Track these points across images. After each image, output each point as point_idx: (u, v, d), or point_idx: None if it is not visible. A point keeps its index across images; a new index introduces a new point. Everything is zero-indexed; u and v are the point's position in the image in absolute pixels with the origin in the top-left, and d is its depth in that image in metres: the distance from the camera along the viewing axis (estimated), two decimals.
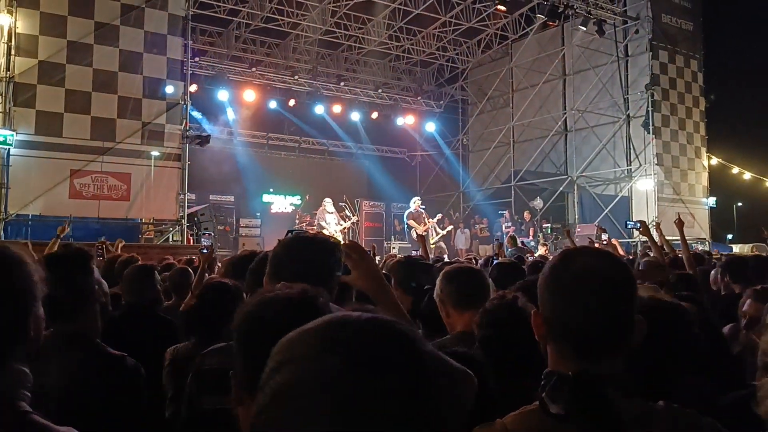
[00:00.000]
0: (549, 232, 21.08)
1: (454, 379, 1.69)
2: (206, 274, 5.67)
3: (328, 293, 1.86)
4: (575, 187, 23.23)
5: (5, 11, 14.67)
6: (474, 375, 1.73)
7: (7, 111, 14.63)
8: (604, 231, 9.73)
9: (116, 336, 2.78)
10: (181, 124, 16.72)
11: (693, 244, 18.90)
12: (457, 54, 27.84)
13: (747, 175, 25.45)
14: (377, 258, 10.13)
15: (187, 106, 16.97)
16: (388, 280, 3.48)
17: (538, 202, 22.65)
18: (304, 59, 25.93)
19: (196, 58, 21.95)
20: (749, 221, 29.45)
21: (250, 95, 24.08)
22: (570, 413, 1.49)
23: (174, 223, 16.51)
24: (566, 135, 24.83)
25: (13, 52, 14.74)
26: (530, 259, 8.73)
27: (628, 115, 22.71)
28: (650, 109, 21.81)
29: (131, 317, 4.36)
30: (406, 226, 19.52)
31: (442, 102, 29.79)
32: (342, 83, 26.46)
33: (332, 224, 18.22)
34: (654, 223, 8.44)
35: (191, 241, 16.55)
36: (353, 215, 19.45)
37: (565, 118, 24.57)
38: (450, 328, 3.16)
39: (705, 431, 1.57)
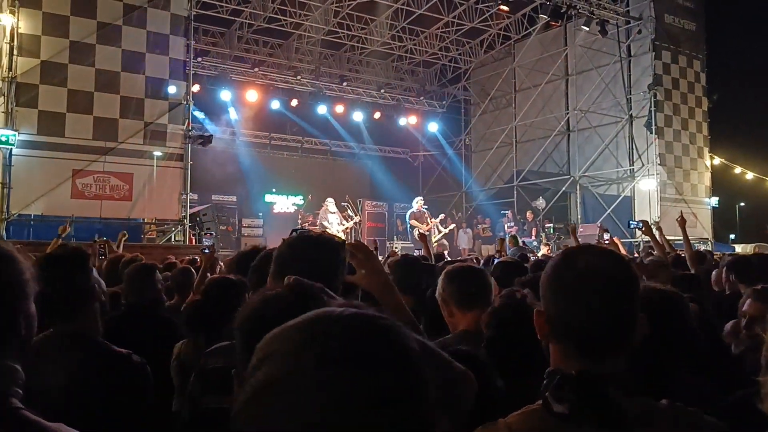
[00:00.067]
0: (551, 232, 21.08)
1: (448, 378, 1.69)
2: (208, 274, 5.67)
3: (333, 292, 1.85)
4: (578, 187, 23.24)
5: (8, 11, 14.67)
6: (477, 374, 1.72)
7: (10, 111, 14.63)
8: (606, 231, 9.73)
9: (117, 336, 2.77)
10: (184, 124, 16.71)
11: (695, 244, 18.90)
12: (459, 54, 27.84)
13: (749, 175, 25.45)
14: (379, 256, 10.11)
15: (189, 106, 16.96)
16: None
17: (540, 202, 22.65)
18: (307, 59, 25.95)
19: (199, 59, 21.99)
20: (752, 221, 29.51)
21: (252, 95, 24.08)
22: (573, 413, 1.49)
23: (176, 224, 16.51)
24: (569, 135, 24.84)
25: (15, 52, 14.73)
26: (532, 259, 8.71)
27: (631, 115, 22.70)
28: (653, 109, 21.80)
29: (132, 317, 4.35)
30: (408, 226, 19.52)
31: (444, 102, 29.79)
32: (345, 83, 26.46)
33: (334, 224, 18.23)
34: (654, 223, 8.43)
35: (193, 241, 16.56)
36: (356, 215, 19.46)
37: (568, 118, 24.59)
38: (452, 328, 3.16)
39: (707, 430, 1.57)
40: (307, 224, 19.16)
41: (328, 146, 28.44)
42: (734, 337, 3.40)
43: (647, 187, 21.77)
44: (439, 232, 19.14)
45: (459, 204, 27.63)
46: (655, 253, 7.49)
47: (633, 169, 22.70)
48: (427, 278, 4.30)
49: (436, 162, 29.63)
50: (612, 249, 2.59)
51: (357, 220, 19.60)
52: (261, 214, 23.61)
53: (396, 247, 21.44)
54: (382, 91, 27.67)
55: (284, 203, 24.99)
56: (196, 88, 19.58)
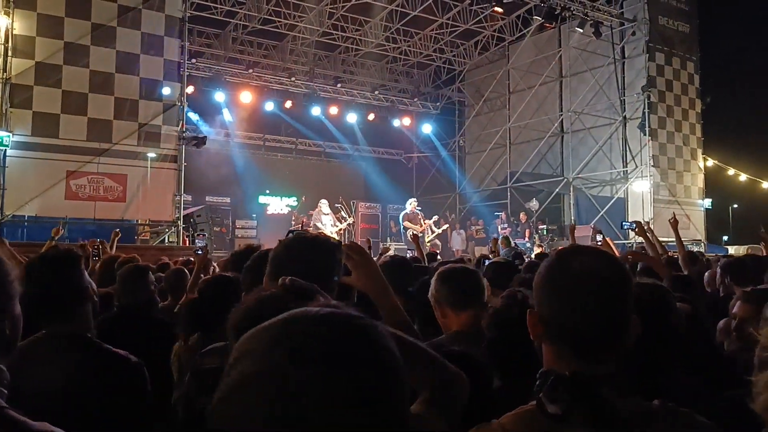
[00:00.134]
0: (545, 233, 21.08)
1: (444, 378, 1.70)
2: (201, 275, 5.66)
3: (328, 293, 1.86)
4: (571, 189, 23.26)
5: (2, 12, 14.66)
6: (471, 375, 1.73)
7: (4, 112, 14.61)
8: (600, 232, 9.73)
9: (109, 337, 2.76)
10: (178, 126, 16.71)
11: (688, 245, 18.93)
12: (454, 56, 27.85)
13: (743, 177, 25.49)
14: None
15: (183, 108, 16.97)
16: None
17: (534, 204, 22.66)
18: (301, 61, 25.94)
19: (193, 60, 21.97)
20: (745, 223, 29.51)
21: (246, 97, 24.08)
22: (567, 413, 1.49)
23: (170, 225, 16.49)
24: (563, 137, 24.88)
25: (9, 53, 14.73)
26: (527, 260, 8.72)
27: (625, 117, 22.73)
28: (647, 111, 21.85)
29: (125, 318, 4.33)
30: (402, 227, 19.52)
31: (438, 104, 29.79)
32: (339, 85, 26.48)
33: (328, 225, 18.22)
34: (645, 223, 8.44)
35: (187, 242, 16.53)
36: (349, 216, 19.45)
37: (562, 119, 24.63)
38: (445, 328, 3.16)
39: (700, 430, 1.57)
40: (301, 225, 19.14)
41: (322, 147, 28.40)
42: (727, 336, 3.41)
43: (641, 188, 21.82)
44: (433, 233, 19.15)
45: (453, 205, 27.63)
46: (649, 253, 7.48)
47: (626, 170, 22.74)
48: (409, 280, 4.31)
49: (430, 163, 29.66)
50: (605, 250, 2.60)
51: (351, 222, 19.58)
52: (255, 215, 23.61)
53: (389, 246, 21.44)
54: (377, 92, 27.66)
55: (278, 204, 24.96)
56: (190, 89, 19.59)
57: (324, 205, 18.77)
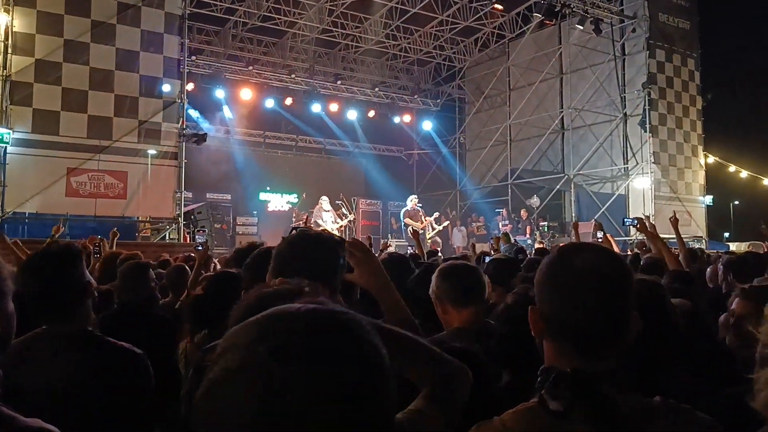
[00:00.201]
0: (546, 230, 21.07)
1: (445, 373, 1.69)
2: (202, 272, 5.66)
3: (332, 291, 1.85)
4: (572, 186, 23.23)
5: (2, 10, 14.65)
6: (473, 371, 1.72)
7: (4, 109, 14.61)
8: (601, 228, 9.71)
9: (110, 334, 2.75)
10: (178, 123, 16.71)
11: (689, 242, 18.94)
12: (454, 53, 27.84)
13: (744, 174, 25.44)
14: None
15: (183, 105, 16.98)
16: None
17: (534, 201, 22.65)
18: (301, 58, 25.92)
19: (193, 57, 21.96)
20: (746, 220, 29.50)
21: (246, 94, 24.07)
22: (569, 410, 1.49)
23: (171, 222, 16.49)
24: (563, 133, 24.84)
25: (9, 50, 14.73)
26: (529, 257, 8.70)
27: (625, 114, 22.72)
28: (647, 107, 21.81)
29: (125, 315, 4.31)
30: (402, 224, 19.51)
31: (439, 100, 29.77)
32: (339, 82, 26.42)
33: (329, 222, 18.21)
34: (645, 218, 8.42)
35: (188, 239, 16.53)
36: (350, 213, 19.44)
37: (562, 116, 24.59)
38: (446, 325, 3.15)
39: (701, 426, 1.57)
40: (301, 222, 19.14)
41: (322, 144, 28.39)
42: (728, 330, 3.41)
43: (641, 185, 21.79)
44: (433, 230, 19.13)
45: (453, 202, 27.59)
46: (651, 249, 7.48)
47: (627, 167, 22.72)
48: (406, 277, 4.30)
49: (430, 160, 29.64)
50: (606, 246, 2.60)
51: (351, 219, 19.58)
52: (255, 212, 23.57)
53: (389, 243, 21.43)
54: (377, 89, 27.66)
55: (279, 201, 24.96)
56: (190, 86, 19.59)
57: (325, 202, 18.77)
